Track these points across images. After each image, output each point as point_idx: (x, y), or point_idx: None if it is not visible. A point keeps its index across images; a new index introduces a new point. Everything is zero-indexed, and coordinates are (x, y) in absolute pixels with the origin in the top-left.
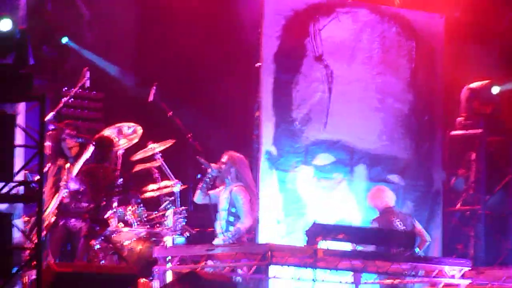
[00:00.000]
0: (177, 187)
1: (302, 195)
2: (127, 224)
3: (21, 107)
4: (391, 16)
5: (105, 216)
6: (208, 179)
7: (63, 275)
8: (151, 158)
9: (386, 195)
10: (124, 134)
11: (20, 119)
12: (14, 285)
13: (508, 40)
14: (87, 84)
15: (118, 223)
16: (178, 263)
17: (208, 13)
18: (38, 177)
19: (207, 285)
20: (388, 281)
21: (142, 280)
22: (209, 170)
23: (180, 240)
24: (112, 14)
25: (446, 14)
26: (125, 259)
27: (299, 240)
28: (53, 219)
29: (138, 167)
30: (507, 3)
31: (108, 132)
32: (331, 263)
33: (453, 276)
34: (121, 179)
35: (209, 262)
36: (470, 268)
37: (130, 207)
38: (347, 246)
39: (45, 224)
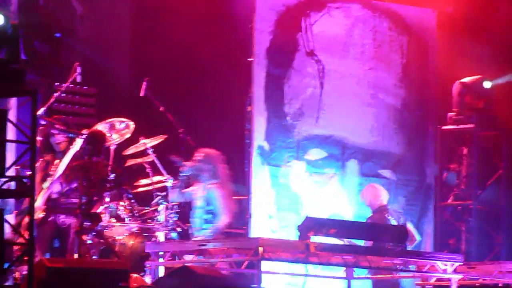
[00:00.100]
0: (169, 183)
1: (294, 190)
2: (119, 219)
3: (13, 102)
4: (382, 11)
5: (97, 211)
6: (183, 178)
7: (54, 270)
8: (143, 153)
9: (380, 194)
10: (116, 129)
11: (12, 114)
12: (5, 281)
13: (500, 34)
14: (78, 79)
15: (110, 218)
16: (170, 258)
17: (200, 8)
18: (29, 172)
19: (199, 280)
20: (380, 276)
21: (134, 275)
22: (184, 168)
23: (173, 235)
24: (104, 9)
25: (438, 8)
26: (117, 254)
27: (292, 235)
28: (41, 215)
29: (130, 162)
30: None
31: (100, 127)
32: (323, 258)
33: (445, 271)
34: (113, 174)
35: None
36: (461, 263)
37: (122, 202)
38: (339, 241)
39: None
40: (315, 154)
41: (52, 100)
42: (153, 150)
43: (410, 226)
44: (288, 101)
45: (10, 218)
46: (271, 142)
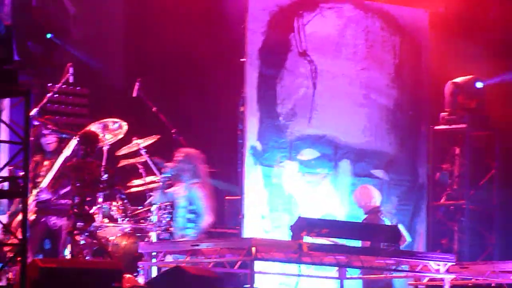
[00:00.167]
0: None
1: (287, 190)
2: (112, 219)
3: (6, 102)
4: (375, 11)
5: (90, 212)
6: (165, 179)
7: (47, 270)
8: (136, 154)
9: (374, 195)
10: (109, 130)
11: (5, 115)
12: None
13: (492, 34)
14: (71, 79)
15: (103, 218)
16: (163, 258)
17: (193, 9)
18: (23, 172)
19: (192, 280)
20: (373, 276)
21: (127, 275)
22: (166, 170)
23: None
24: (97, 9)
25: (430, 9)
26: (110, 255)
27: (285, 235)
28: (32, 217)
29: (123, 163)
30: None
31: (93, 127)
32: (316, 258)
33: (437, 271)
34: (106, 175)
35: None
36: (454, 263)
37: (115, 203)
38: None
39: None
40: (307, 154)
41: (45, 100)
42: (146, 150)
43: (401, 227)
44: (280, 101)
45: (3, 218)
46: (263, 142)
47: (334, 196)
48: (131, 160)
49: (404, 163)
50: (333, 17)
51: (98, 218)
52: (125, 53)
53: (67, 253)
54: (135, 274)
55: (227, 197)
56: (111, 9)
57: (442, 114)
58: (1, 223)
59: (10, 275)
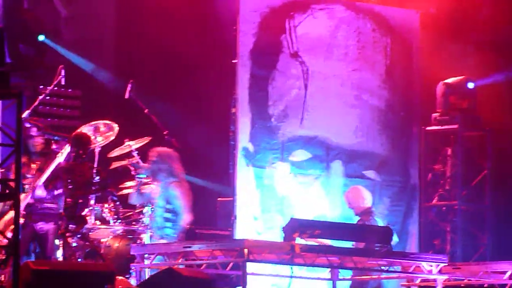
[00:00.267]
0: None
1: (279, 191)
2: (104, 221)
3: None
4: (366, 12)
5: (82, 214)
6: (141, 180)
7: (40, 272)
8: (127, 155)
9: (365, 196)
10: (100, 132)
11: None
12: None
13: (483, 35)
14: (63, 82)
15: (95, 220)
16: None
17: (184, 11)
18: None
19: (185, 281)
20: (366, 277)
21: (120, 277)
22: (141, 171)
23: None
24: (89, 11)
25: (421, 9)
26: (102, 257)
27: (277, 236)
28: (21, 220)
29: (115, 164)
30: None
31: (85, 129)
32: (308, 259)
33: (430, 272)
34: (98, 177)
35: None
36: (447, 264)
37: (107, 205)
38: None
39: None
40: (299, 155)
41: (36, 103)
42: (137, 152)
43: None
44: (272, 102)
45: None
46: (255, 144)
47: (326, 197)
48: (123, 162)
49: (396, 164)
50: (325, 18)
51: (90, 220)
52: (117, 55)
53: (59, 255)
54: (127, 276)
55: (219, 199)
56: (103, 11)
57: (434, 114)
58: None
59: (2, 277)
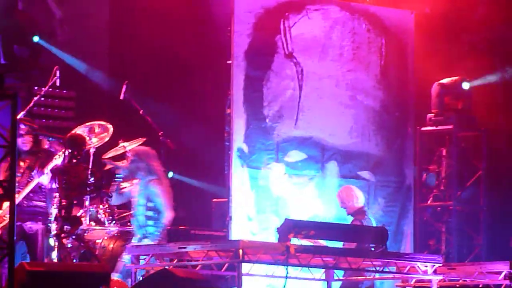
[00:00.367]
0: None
1: (274, 192)
2: (99, 222)
3: None
4: (361, 12)
5: (77, 215)
6: (119, 180)
7: (35, 274)
8: (122, 157)
9: (358, 196)
10: (95, 133)
11: None
12: None
13: (477, 35)
14: (58, 83)
15: (90, 221)
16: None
17: (179, 11)
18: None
19: (180, 282)
20: (361, 278)
21: (115, 278)
22: (119, 171)
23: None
24: (83, 12)
25: (416, 10)
26: (97, 258)
27: (272, 237)
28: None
29: (109, 166)
30: None
31: (80, 130)
32: (303, 260)
33: (425, 272)
34: (93, 178)
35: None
36: (442, 264)
37: (101, 206)
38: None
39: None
40: (294, 156)
41: (31, 104)
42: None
43: None
44: (267, 103)
45: None
46: (250, 144)
47: (321, 198)
48: (118, 163)
49: (390, 165)
50: (319, 19)
51: (85, 221)
52: (112, 56)
53: (54, 256)
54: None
55: (214, 200)
56: (98, 12)
57: (429, 115)
58: None
59: None
